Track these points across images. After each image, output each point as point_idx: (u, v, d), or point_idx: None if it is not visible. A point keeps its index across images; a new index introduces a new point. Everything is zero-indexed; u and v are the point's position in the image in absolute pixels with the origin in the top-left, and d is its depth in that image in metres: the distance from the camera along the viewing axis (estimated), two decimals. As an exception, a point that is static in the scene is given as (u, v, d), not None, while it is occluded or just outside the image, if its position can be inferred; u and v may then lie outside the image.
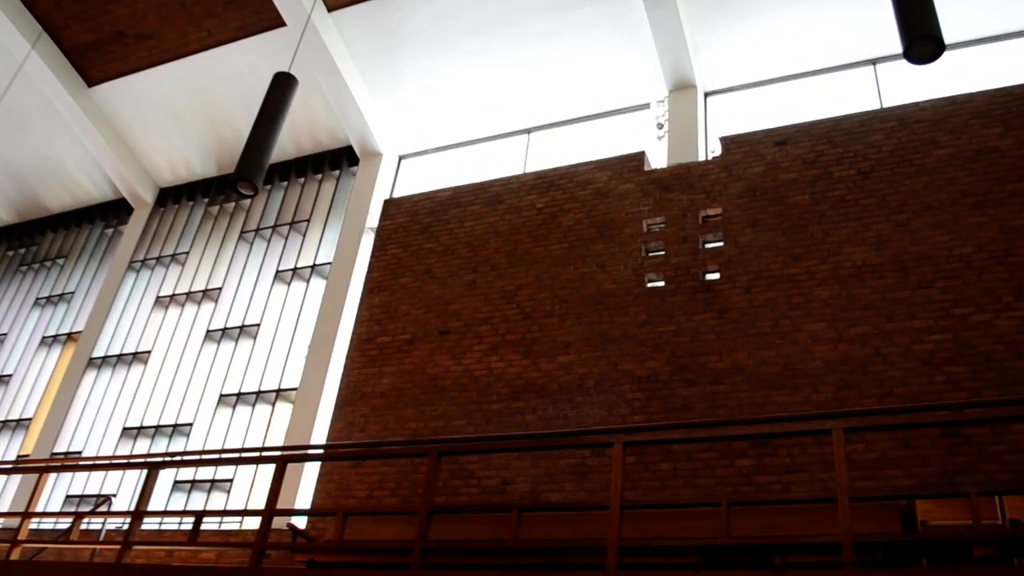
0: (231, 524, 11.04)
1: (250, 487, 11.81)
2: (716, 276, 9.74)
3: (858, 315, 8.74)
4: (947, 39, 10.47)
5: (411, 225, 12.06)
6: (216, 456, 11.06)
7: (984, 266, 8.60)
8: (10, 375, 16.13)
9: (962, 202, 9.06)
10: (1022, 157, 9.19)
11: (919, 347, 8.34)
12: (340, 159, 16.06)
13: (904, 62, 9.50)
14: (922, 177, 9.38)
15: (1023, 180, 8.99)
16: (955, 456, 7.69)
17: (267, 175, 15.70)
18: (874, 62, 12.58)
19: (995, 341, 8.16)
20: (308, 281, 14.70)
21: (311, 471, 11.07)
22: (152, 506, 11.58)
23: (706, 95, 13.59)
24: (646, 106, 14.33)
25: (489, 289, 10.80)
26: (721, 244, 9.99)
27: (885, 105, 11.79)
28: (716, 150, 11.67)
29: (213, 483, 12.11)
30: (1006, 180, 9.05)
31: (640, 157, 11.11)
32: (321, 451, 9.50)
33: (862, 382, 8.34)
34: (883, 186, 9.48)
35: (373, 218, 14.63)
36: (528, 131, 15.06)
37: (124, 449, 13.24)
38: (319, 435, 12.15)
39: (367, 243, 14.45)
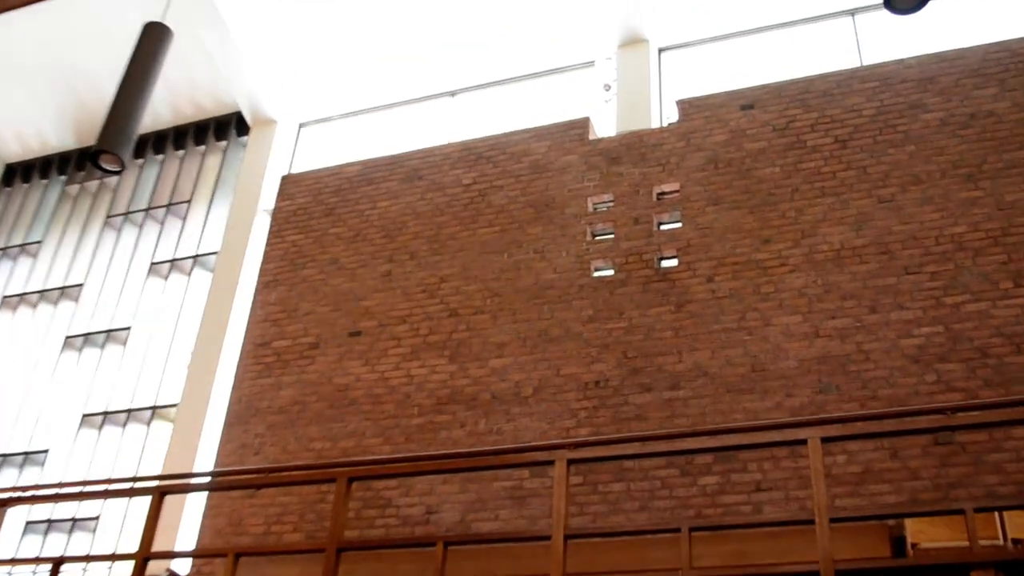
0: (98, 572, 10.79)
1: (120, 526, 11.55)
2: (673, 263, 9.80)
3: (837, 306, 8.87)
4: (935, -14, 10.69)
5: (314, 206, 11.92)
6: (78, 489, 10.79)
7: (979, 247, 8.79)
8: None
9: (953, 174, 9.25)
10: (1021, 122, 9.41)
11: (907, 342, 8.50)
12: (227, 128, 15.80)
13: (886, 13, 9.65)
14: (908, 146, 9.56)
15: (1023, 148, 9.21)
16: (949, 467, 7.84)
17: (138, 147, 15.37)
18: (853, 13, 12.79)
19: (992, 333, 8.34)
20: (189, 275, 14.43)
21: (195, 504, 10.87)
22: None
23: (660, 51, 13.69)
24: (591, 64, 14.38)
25: (407, 282, 10.73)
26: (679, 225, 10.05)
27: (865, 63, 12.01)
28: (672, 116, 11.75)
29: (75, 522, 11.81)
30: (1003, 149, 9.26)
31: (584, 124, 11.13)
32: (207, 479, 9.33)
33: (842, 383, 8.46)
34: (864, 156, 9.64)
35: (268, 198, 14.42)
36: (452, 93, 15.01)
37: (-35, 482, 12.86)
38: (205, 460, 11.93)
39: (261, 228, 14.24)
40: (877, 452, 8.06)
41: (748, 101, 10.48)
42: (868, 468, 8.02)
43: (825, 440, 6.04)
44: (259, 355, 10.92)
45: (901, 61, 10.14)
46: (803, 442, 6.03)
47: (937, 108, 9.71)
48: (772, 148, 10.06)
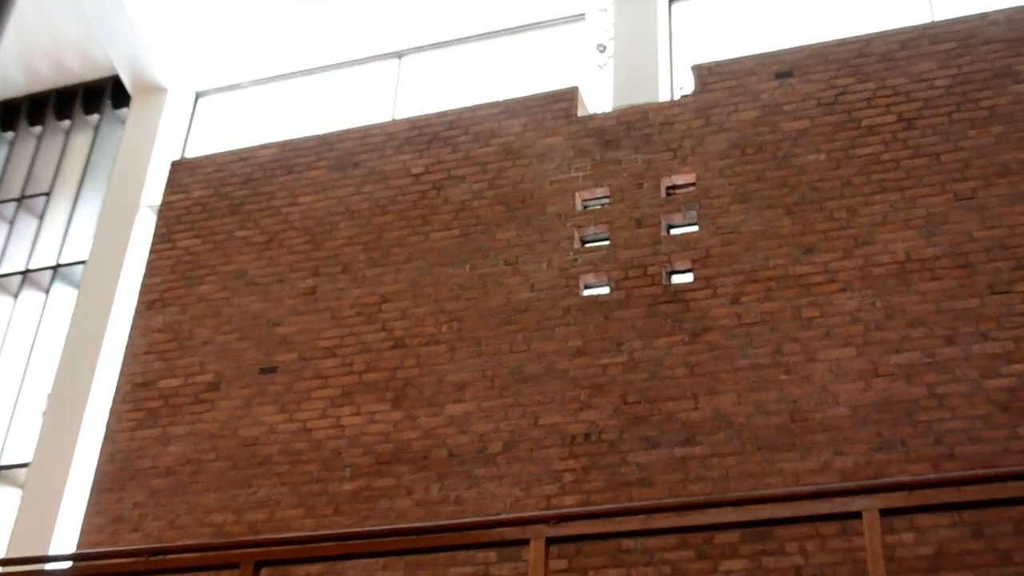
0: None
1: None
2: (688, 278, 9.80)
3: (901, 336, 8.88)
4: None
5: (215, 201, 11.86)
6: None
7: (1086, 260, 8.86)
8: None
9: (1053, 164, 9.33)
10: None
11: (993, 383, 8.51)
12: (100, 97, 15.70)
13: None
14: (993, 126, 9.60)
15: None
16: (1048, 548, 7.85)
17: (-19, 123, 15.26)
18: (921, -47, 12.88)
19: (1103, 373, 8.40)
20: (48, 291, 14.30)
21: (53, 595, 10.72)
22: None
23: (671, 1, 13.74)
24: (580, 17, 14.41)
25: (339, 301, 10.68)
26: (695, 229, 10.04)
27: (939, 18, 12.06)
28: (686, 86, 11.77)
29: None
30: (1116, 131, 9.34)
31: (571, 96, 11.13)
32: (67, 565, 9.19)
33: (908, 438, 8.46)
34: (936, 140, 9.68)
35: (154, 190, 14.33)
36: (399, 55, 15.00)
37: None
38: (65, 538, 11.78)
39: (144, 229, 14.14)
40: (955, 529, 8.03)
41: (785, 67, 10.50)
42: (943, 550, 8.00)
43: (886, 513, 6.04)
44: (140, 398, 10.82)
45: (985, 16, 10.19)
46: (857, 515, 6.01)
47: (1031, 78, 9.79)
48: (817, 129, 10.08)
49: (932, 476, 7.54)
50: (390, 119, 11.98)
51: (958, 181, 9.44)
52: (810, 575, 8.15)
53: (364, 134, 11.74)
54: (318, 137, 11.92)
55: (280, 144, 12.04)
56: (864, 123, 9.97)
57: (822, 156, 9.92)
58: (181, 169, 12.33)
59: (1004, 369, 8.54)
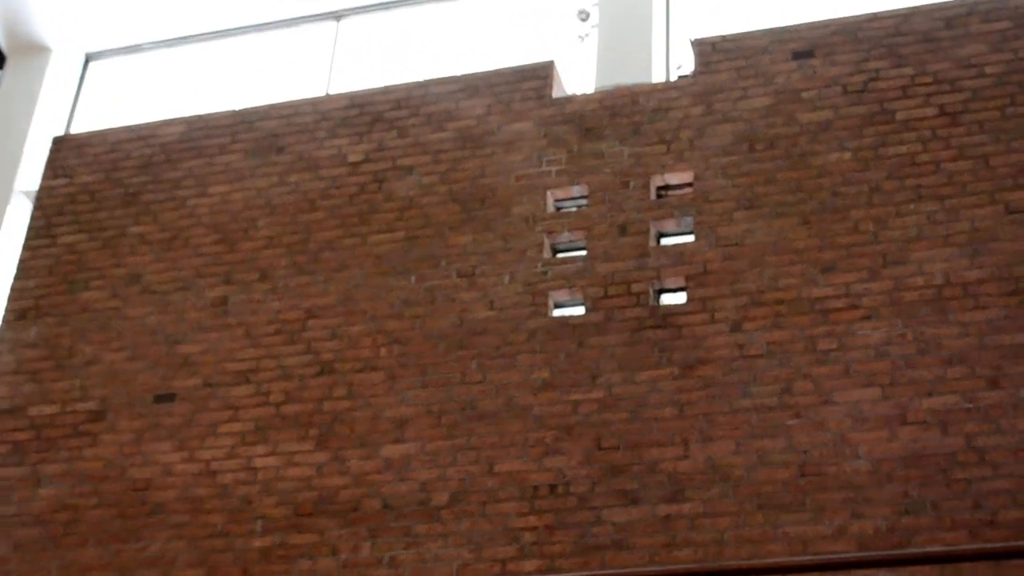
0: None
1: None
2: (680, 299, 9.83)
3: (936, 376, 8.92)
4: None
5: (106, 189, 11.83)
6: None
7: None
8: None
9: (1124, 172, 9.42)
10: None
11: (1046, 435, 8.60)
12: (-34, 58, 15.64)
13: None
14: (1055, 124, 9.70)
15: None
16: (1107, 637, 7.90)
17: None
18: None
19: None
20: None
21: None
22: None
23: (669, -39, 13.80)
24: (558, -23, 14.46)
25: (254, 316, 10.67)
26: (691, 239, 10.08)
27: (991, -9, 12.16)
28: (685, 65, 11.81)
29: None
30: None
31: (546, 73, 11.17)
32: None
33: (942, 499, 8.48)
34: (986, 139, 9.75)
35: (30, 173, 14.26)
36: (336, 16, 15.00)
37: None
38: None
39: (16, 221, 14.07)
40: (995, 610, 8.09)
41: (805, 45, 10.58)
42: (980, 635, 8.05)
43: None
44: (4, 429, 10.74)
45: (1046, -10, 10.29)
46: None
47: (1102, 66, 9.89)
48: (841, 121, 10.15)
49: (969, 547, 7.56)
50: (324, 94, 11.94)
51: (1010, 190, 9.51)
52: (819, 664, 8.20)
53: (291, 112, 11.72)
54: (234, 114, 11.89)
55: (187, 121, 12.01)
56: (898, 116, 10.03)
57: (847, 155, 9.98)
58: (65, 148, 12.28)
59: (1059, 418, 8.63)
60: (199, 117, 12.03)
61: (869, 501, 8.59)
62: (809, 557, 8.09)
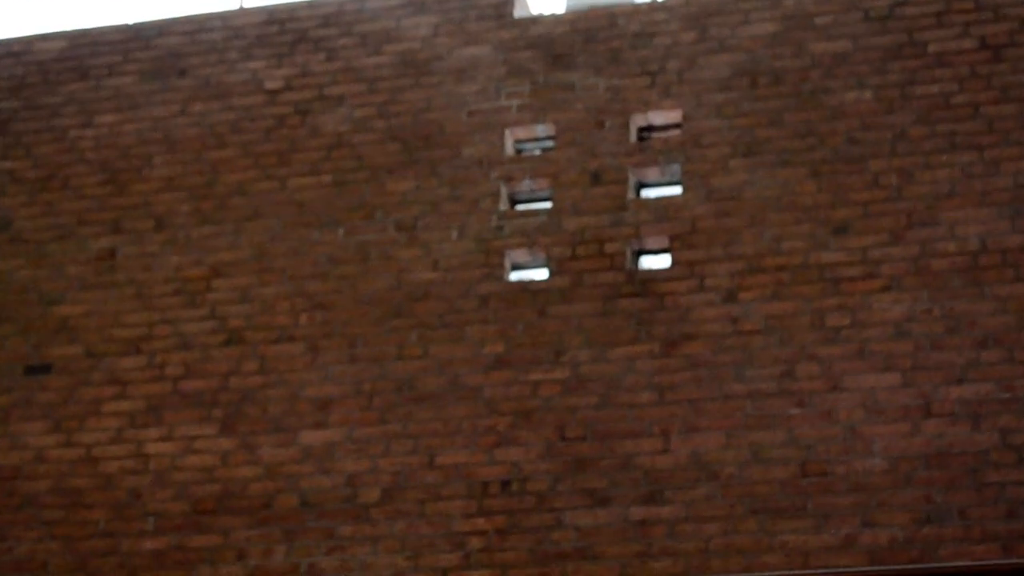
0: None
1: None
2: (664, 262, 9.88)
3: (968, 359, 9.01)
4: None
5: (-33, 116, 11.78)
6: None
7: None
8: None
9: None
10: None
11: (1095, 433, 8.71)
12: None
13: None
14: (1115, 63, 9.81)
15: None
16: None
17: None
18: None
19: None
20: None
21: None
22: None
23: None
24: None
25: (148, 273, 10.67)
26: (677, 191, 10.16)
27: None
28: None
29: None
30: None
31: (506, -13, 11.20)
32: None
33: (970, 506, 8.57)
34: (1033, 79, 9.88)
35: None
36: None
37: None
38: None
39: None
40: (1031, 638, 8.20)
41: (820, -39, 10.64)
42: (1012, 668, 8.16)
43: None
44: None
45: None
46: None
47: None
48: (861, 54, 10.23)
49: (1003, 562, 7.61)
50: (236, 7, 11.90)
51: (1060, 139, 9.64)
52: None
53: (196, 27, 11.71)
54: (127, 28, 11.86)
55: (70, 35, 11.98)
56: (931, 49, 10.12)
57: (867, 94, 10.06)
58: (-79, 66, 12.23)
59: (1111, 413, 8.75)
60: (84, 31, 11.97)
61: (884, 506, 8.68)
62: (811, 571, 8.16)
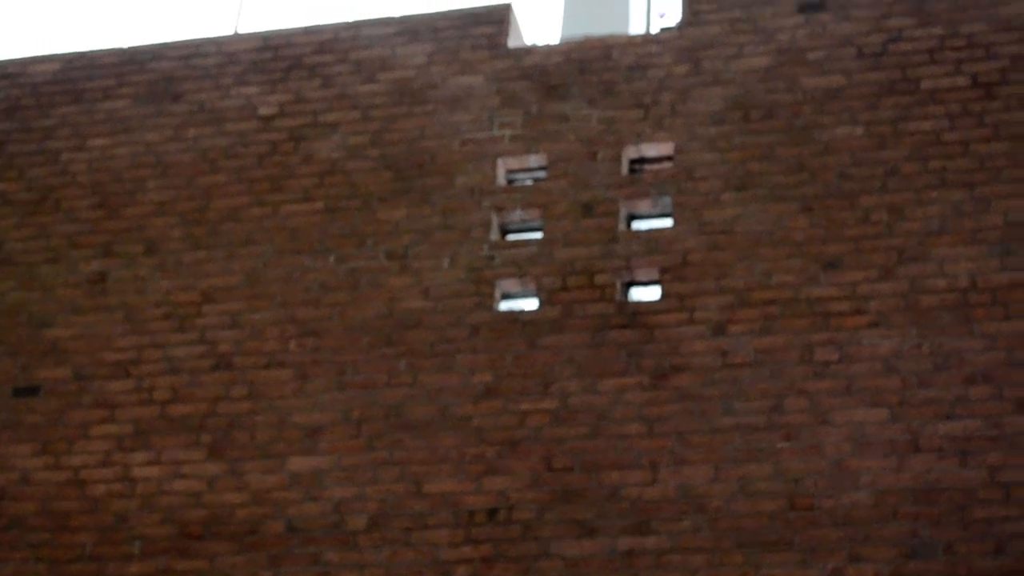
0: None
1: None
2: (654, 294, 9.91)
3: (956, 396, 9.05)
4: None
5: (-40, 137, 11.80)
6: None
7: None
8: None
9: None
10: None
11: (1082, 471, 8.74)
12: None
13: None
14: (1107, 102, 9.86)
15: None
16: None
17: None
18: None
19: None
20: None
21: None
22: None
23: None
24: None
25: (139, 296, 10.71)
26: (669, 224, 10.21)
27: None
28: (669, 13, 11.91)
29: None
30: None
31: (502, 17, 11.25)
32: None
33: (958, 541, 8.61)
34: (1025, 117, 9.93)
35: None
36: (249, -60, 15.08)
37: None
38: None
39: None
40: (1016, 676, 8.23)
41: (815, -4, 10.71)
42: None
43: None
44: None
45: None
46: None
47: None
48: (854, 90, 10.28)
49: None
50: (231, 33, 11.95)
51: (1052, 178, 9.70)
52: None
53: (191, 52, 11.76)
54: (122, 52, 11.91)
55: (65, 58, 12.02)
56: (923, 86, 10.18)
57: (859, 130, 10.12)
58: (-85, 86, 12.26)
59: (1099, 450, 8.78)
60: (79, 54, 12.02)
61: (871, 541, 8.71)
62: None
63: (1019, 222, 9.50)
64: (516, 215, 10.48)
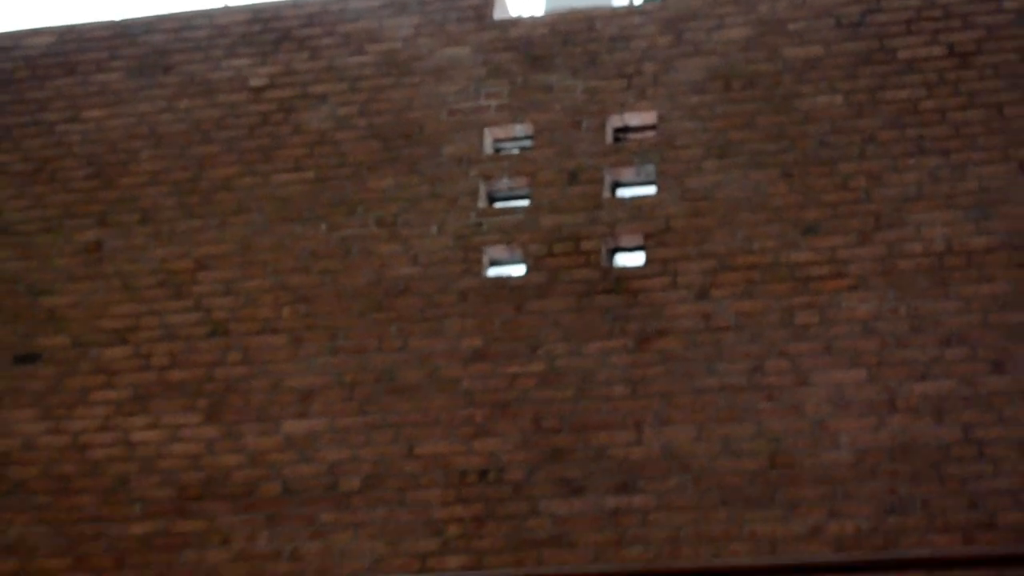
0: None
1: None
2: (638, 259, 10.04)
3: (932, 356, 9.22)
4: None
5: (-45, 110, 11.92)
6: None
7: None
8: None
9: None
10: None
11: (1055, 429, 8.91)
12: None
13: None
14: (1079, 71, 10.02)
15: None
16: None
17: None
18: None
19: None
20: None
21: None
22: None
23: None
24: None
25: (134, 264, 10.81)
26: (652, 191, 10.36)
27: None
28: (650, -14, 12.01)
29: None
30: None
31: (487, -11, 11.38)
32: None
33: (934, 497, 8.76)
34: (1001, 85, 10.03)
35: None
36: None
37: None
38: None
39: None
40: (991, 626, 8.40)
41: (794, -32, 10.83)
42: (972, 654, 8.38)
43: None
44: None
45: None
46: None
47: None
48: (833, 60, 10.42)
49: (962, 551, 7.72)
50: (221, 6, 11.94)
51: (1026, 145, 9.85)
52: None
53: (182, 25, 11.83)
54: (114, 24, 11.97)
55: (59, 31, 12.08)
56: (900, 55, 10.30)
57: (838, 98, 10.25)
58: (-90, 60, 12.32)
59: (1070, 409, 8.95)
60: (72, 27, 12.07)
61: (850, 497, 8.86)
62: (779, 560, 8.30)
63: (993, 188, 9.64)
64: (503, 183, 10.61)
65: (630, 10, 10.98)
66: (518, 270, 10.28)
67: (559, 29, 11.04)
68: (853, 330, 9.41)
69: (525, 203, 10.51)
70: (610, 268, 10.02)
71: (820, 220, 9.85)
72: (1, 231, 11.14)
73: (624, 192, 10.49)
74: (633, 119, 10.61)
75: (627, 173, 10.45)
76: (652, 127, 10.56)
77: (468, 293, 10.16)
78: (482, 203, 10.54)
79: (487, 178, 10.59)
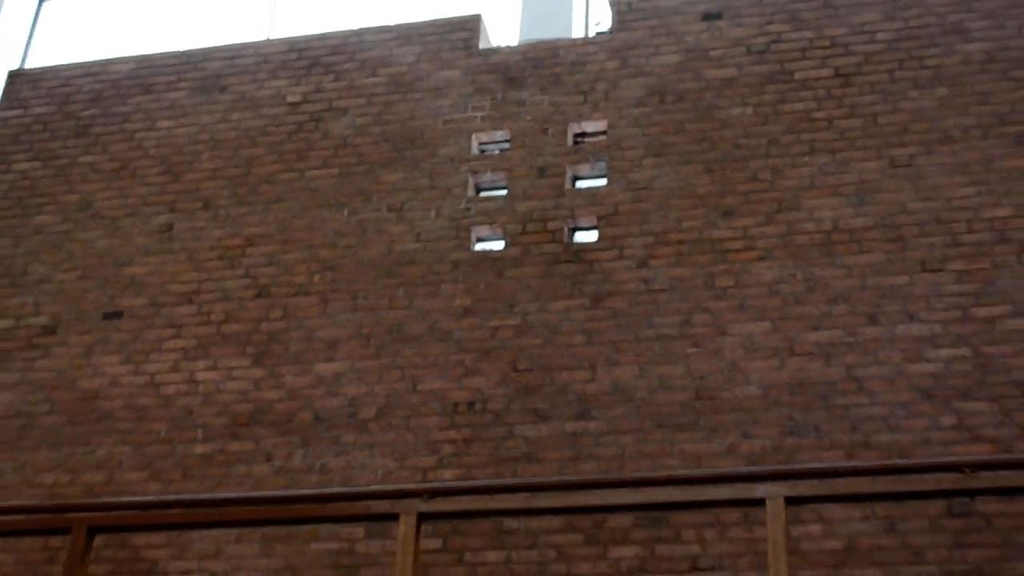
0: None
1: None
2: (592, 236, 9.98)
3: (822, 312, 9.22)
4: None
5: (58, 120, 11.79)
6: None
7: (1026, 240, 9.24)
8: None
9: (1000, 132, 9.63)
10: (1094, 65, 9.86)
11: (917, 368, 8.86)
12: (-73, -7, 15.55)
13: None
14: (938, 88, 9.92)
15: (1093, 102, 9.64)
16: (967, 548, 8.20)
17: None
18: None
19: (1036, 363, 8.80)
20: None
21: None
22: None
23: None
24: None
25: (197, 242, 10.75)
26: (603, 183, 10.32)
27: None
28: (603, 22, 11.92)
29: None
30: (1068, 101, 9.69)
31: (473, 25, 11.25)
32: None
33: (822, 423, 8.80)
34: (875, 99, 9.99)
35: (-14, 104, 14.16)
36: (278, -34, 14.97)
37: None
38: None
39: (-27, 149, 14.02)
40: (867, 522, 8.40)
41: (714, 8, 10.75)
42: (853, 544, 8.34)
43: (792, 501, 6.25)
44: (-38, 340, 10.75)
45: (935, -35, 10.48)
46: (761, 503, 6.21)
47: (983, 37, 10.09)
48: (745, 79, 10.36)
49: (845, 464, 7.69)
50: (265, 38, 11.90)
51: (895, 146, 9.75)
52: (707, 566, 8.43)
53: (234, 54, 11.76)
54: (180, 54, 11.89)
55: (136, 59, 12.00)
56: (797, 76, 10.24)
57: (748, 110, 10.19)
58: (20, 81, 12.21)
59: (930, 353, 8.89)
60: (147, 56, 12.00)
61: (757, 423, 8.89)
62: (701, 471, 8.27)
63: (869, 180, 9.60)
64: (487, 177, 10.54)
65: (586, 41, 10.89)
66: (499, 245, 10.20)
67: (530, 56, 10.95)
68: (761, 291, 9.38)
69: (504, 192, 10.45)
70: (571, 243, 9.98)
71: (735, 205, 9.80)
72: (94, 216, 11.08)
73: (582, 184, 10.41)
74: (589, 126, 10.54)
75: (584, 169, 10.39)
76: (604, 133, 10.47)
77: (460, 263, 10.09)
78: (470, 192, 10.47)
79: (474, 173, 10.52)
